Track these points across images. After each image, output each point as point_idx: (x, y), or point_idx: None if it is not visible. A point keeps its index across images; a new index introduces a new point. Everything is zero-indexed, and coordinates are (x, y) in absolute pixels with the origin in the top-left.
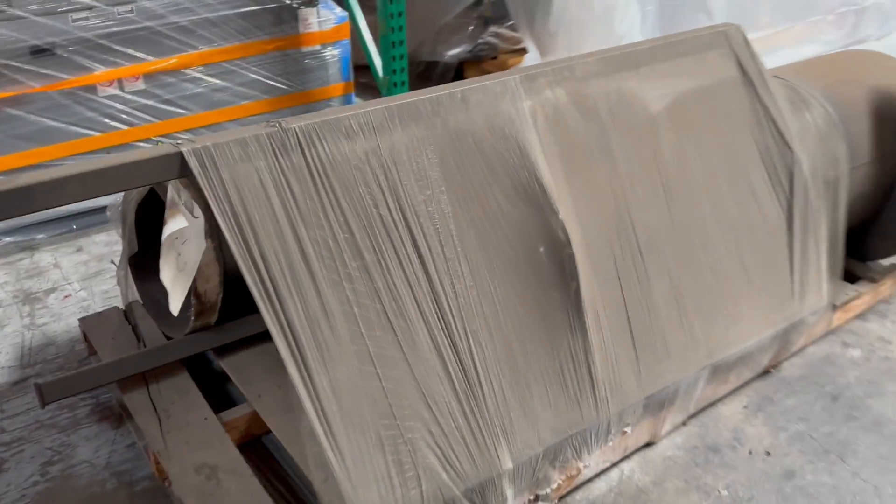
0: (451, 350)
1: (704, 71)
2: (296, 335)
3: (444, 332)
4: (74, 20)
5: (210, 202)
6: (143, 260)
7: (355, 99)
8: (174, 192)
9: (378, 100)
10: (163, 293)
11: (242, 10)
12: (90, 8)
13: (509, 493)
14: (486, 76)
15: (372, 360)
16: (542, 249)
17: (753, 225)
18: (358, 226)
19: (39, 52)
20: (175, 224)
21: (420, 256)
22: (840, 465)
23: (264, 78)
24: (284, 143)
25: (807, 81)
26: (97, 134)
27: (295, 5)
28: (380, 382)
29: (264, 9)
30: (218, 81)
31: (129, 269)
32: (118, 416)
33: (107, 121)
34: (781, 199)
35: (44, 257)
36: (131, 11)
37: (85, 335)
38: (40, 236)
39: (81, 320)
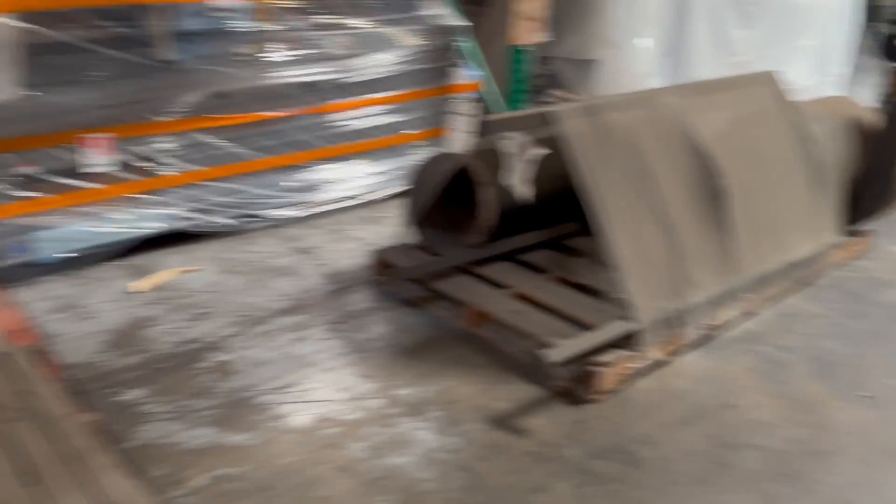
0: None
1: (757, 96)
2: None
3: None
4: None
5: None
6: (428, 212)
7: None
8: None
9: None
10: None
11: (418, 67)
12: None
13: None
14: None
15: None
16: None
17: (794, 189)
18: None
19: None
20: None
21: None
22: (860, 319)
23: (422, 116)
24: (589, 110)
25: (811, 109)
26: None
27: (448, 66)
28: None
29: (431, 67)
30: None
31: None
32: (418, 306)
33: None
34: (810, 174)
35: (289, 232)
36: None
37: (380, 261)
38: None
39: (379, 251)
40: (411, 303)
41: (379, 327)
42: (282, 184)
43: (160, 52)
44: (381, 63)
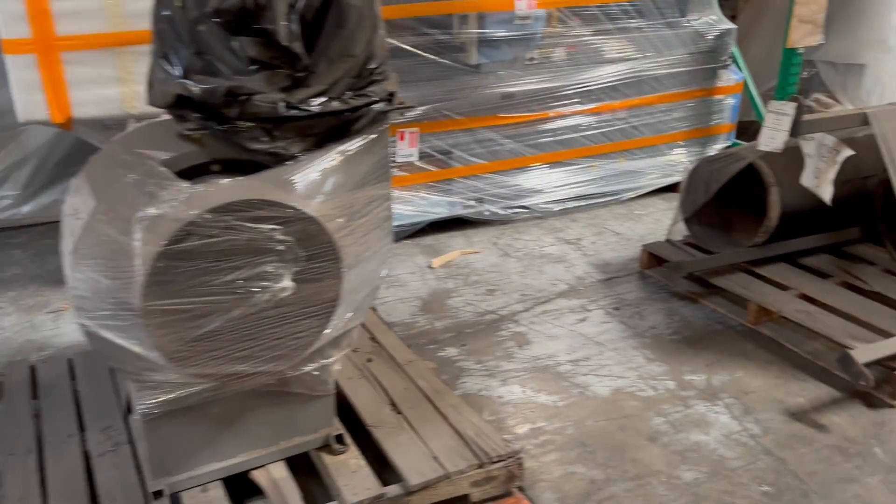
0: None
1: None
2: None
3: None
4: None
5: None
6: (701, 209)
7: (735, 137)
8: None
9: None
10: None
11: (687, 69)
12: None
13: None
14: None
15: None
16: None
17: None
18: None
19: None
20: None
21: None
22: None
23: (685, 116)
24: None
25: None
26: (593, 145)
27: (717, 67)
28: None
29: (699, 69)
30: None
31: (686, 215)
32: (690, 299)
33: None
34: None
35: (552, 223)
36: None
37: (648, 253)
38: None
39: (646, 245)
40: (684, 296)
41: (655, 316)
42: (546, 179)
43: (467, 56)
44: (651, 65)
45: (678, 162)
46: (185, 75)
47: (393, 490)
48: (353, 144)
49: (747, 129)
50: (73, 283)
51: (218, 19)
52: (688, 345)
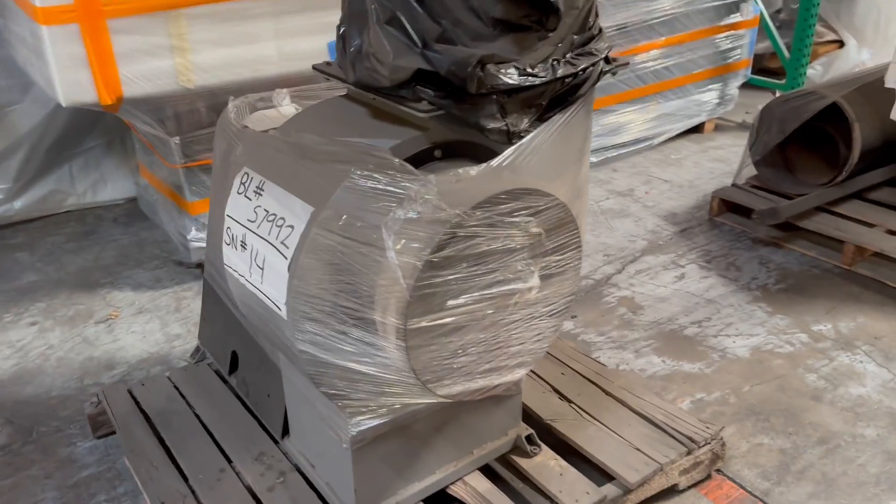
0: None
1: None
2: None
3: None
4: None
5: None
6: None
7: (751, 74)
8: None
9: None
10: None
11: (713, 4)
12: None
13: None
14: None
15: None
16: None
17: None
18: None
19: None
20: None
21: None
22: None
23: (710, 54)
24: None
25: None
26: (629, 89)
27: (735, 2)
28: None
29: (723, 4)
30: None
31: (757, 158)
32: (775, 244)
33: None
34: None
35: (594, 175)
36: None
37: (720, 200)
38: None
39: (715, 192)
40: (767, 242)
41: (750, 266)
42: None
43: None
44: (674, 4)
45: (703, 101)
46: (425, 46)
47: (611, 491)
48: (573, 113)
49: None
50: (290, 304)
51: None
52: (797, 293)
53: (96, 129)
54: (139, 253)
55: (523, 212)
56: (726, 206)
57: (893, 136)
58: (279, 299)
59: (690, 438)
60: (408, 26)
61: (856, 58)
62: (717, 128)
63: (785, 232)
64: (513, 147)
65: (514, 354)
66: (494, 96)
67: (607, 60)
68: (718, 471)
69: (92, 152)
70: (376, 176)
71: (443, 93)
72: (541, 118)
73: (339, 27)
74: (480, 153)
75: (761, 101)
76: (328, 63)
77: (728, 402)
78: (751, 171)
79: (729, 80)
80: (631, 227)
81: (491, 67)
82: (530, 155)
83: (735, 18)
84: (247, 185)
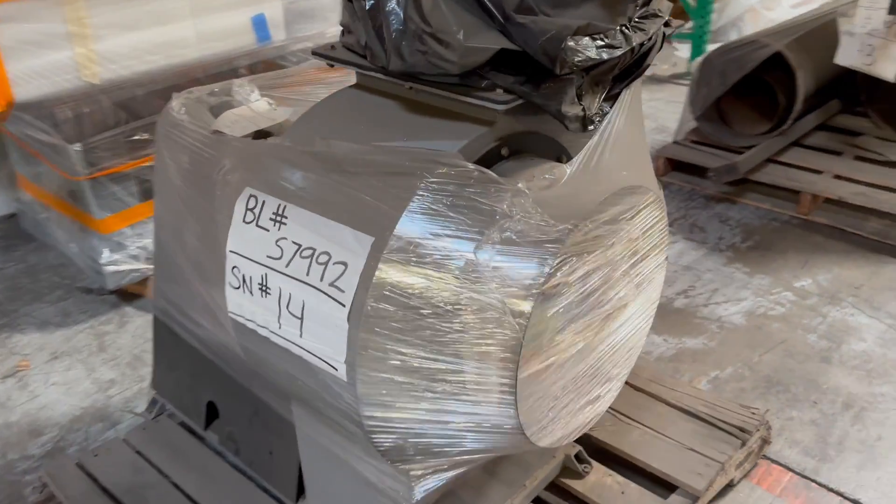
0: None
1: None
2: None
3: None
4: None
5: None
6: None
7: None
8: None
9: None
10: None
11: None
12: None
13: None
14: None
15: None
16: None
17: None
18: None
19: None
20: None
21: None
22: None
23: None
24: None
25: None
26: None
27: None
28: None
29: None
30: None
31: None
32: (728, 200)
33: None
34: None
35: None
36: None
37: (665, 159)
38: None
39: (659, 151)
40: (720, 199)
41: (713, 225)
42: None
43: None
44: None
45: None
46: (506, 18)
47: (679, 502)
48: (634, 87)
49: None
50: (352, 361)
51: None
52: (767, 249)
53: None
54: (33, 283)
55: (626, 215)
56: (671, 165)
57: (825, 82)
58: (334, 356)
59: (741, 428)
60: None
61: (746, 2)
62: None
63: (735, 186)
64: (594, 137)
65: (610, 378)
66: (574, 76)
67: (666, 23)
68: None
69: None
70: (451, 189)
71: (523, 76)
72: (608, 96)
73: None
74: (544, 146)
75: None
76: (332, 47)
77: (744, 376)
78: (688, 126)
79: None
80: None
81: (577, 41)
82: (611, 144)
83: None
84: (256, 212)
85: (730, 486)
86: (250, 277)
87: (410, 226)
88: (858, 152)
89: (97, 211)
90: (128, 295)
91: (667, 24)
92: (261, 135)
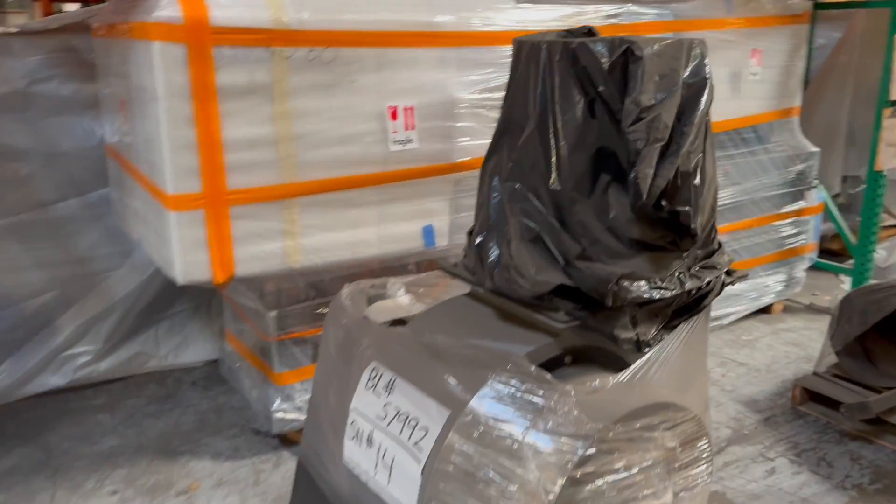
0: None
1: None
2: None
3: None
4: None
5: None
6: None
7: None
8: None
9: None
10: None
11: (779, 192)
12: None
13: None
14: None
15: None
16: None
17: None
18: None
19: None
20: None
21: None
22: None
23: (776, 238)
24: None
25: None
26: None
27: (804, 189)
28: None
29: (789, 191)
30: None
31: (837, 348)
32: (864, 439)
33: None
34: None
35: None
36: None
37: (801, 389)
38: None
39: (797, 381)
40: (855, 436)
41: (842, 462)
42: None
43: None
44: (751, 189)
45: (769, 284)
46: (564, 262)
47: None
48: (696, 322)
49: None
50: None
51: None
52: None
53: (185, 295)
54: (218, 419)
55: (661, 426)
56: (809, 395)
57: None
58: (409, 503)
59: None
60: (550, 245)
61: None
62: (786, 309)
63: (873, 426)
64: (644, 357)
65: None
66: (627, 308)
67: (728, 273)
68: None
69: (178, 316)
70: (514, 383)
71: (580, 305)
72: (667, 326)
73: (471, 234)
74: (607, 359)
75: (826, 282)
76: (455, 265)
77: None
78: (831, 358)
79: (795, 264)
80: (713, 413)
81: (626, 283)
82: (661, 365)
83: (800, 205)
84: (376, 380)
85: None
86: (362, 431)
87: (478, 407)
88: None
89: (277, 366)
90: (287, 440)
91: (728, 273)
92: (397, 322)
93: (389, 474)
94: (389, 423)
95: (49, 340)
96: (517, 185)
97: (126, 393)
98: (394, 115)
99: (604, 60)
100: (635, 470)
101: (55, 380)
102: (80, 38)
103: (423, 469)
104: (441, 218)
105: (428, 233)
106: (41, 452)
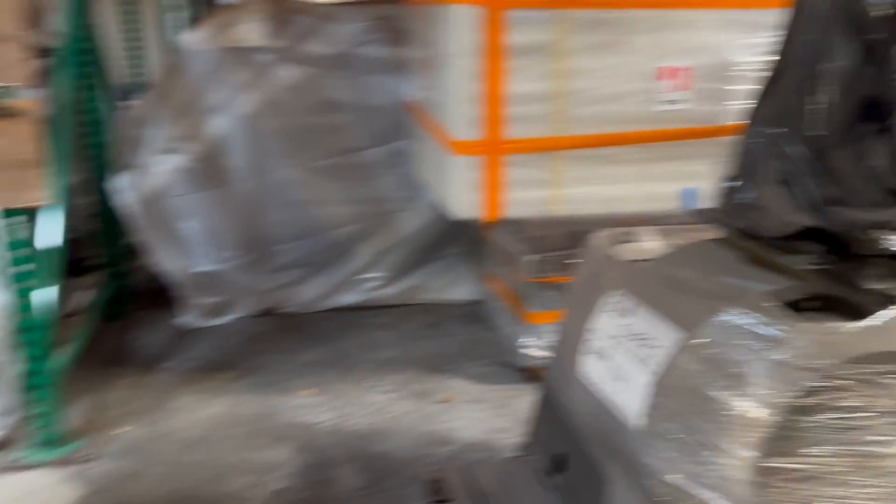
0: None
1: None
2: None
3: None
4: None
5: None
6: None
7: None
8: None
9: None
10: None
11: None
12: None
13: None
14: None
15: None
16: None
17: None
18: None
19: None
20: None
21: None
22: None
23: None
24: None
25: None
26: None
27: None
28: None
29: None
30: None
31: None
32: None
33: None
34: None
35: None
36: None
37: None
38: None
39: None
40: None
41: None
42: None
43: None
44: None
45: None
46: (815, 205)
47: None
48: None
49: None
50: (645, 419)
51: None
52: None
53: (457, 241)
54: (474, 349)
55: None
56: None
57: None
58: (634, 413)
59: None
60: (804, 188)
61: None
62: None
63: None
64: (888, 310)
65: None
66: (878, 259)
67: None
68: None
69: (451, 258)
70: (751, 314)
71: (828, 250)
72: None
73: (727, 179)
74: (849, 310)
75: None
76: (702, 211)
77: None
78: None
79: None
80: None
81: (881, 232)
82: None
83: None
84: (617, 305)
85: None
86: (599, 348)
87: (713, 331)
88: None
89: (529, 307)
90: (532, 374)
91: None
92: (642, 261)
93: (620, 385)
94: (624, 341)
95: (349, 264)
96: (776, 130)
97: (403, 317)
98: (666, 76)
99: (876, 9)
100: (864, 413)
101: (349, 297)
102: (394, 7)
103: (651, 382)
104: (704, 181)
105: (689, 195)
106: (334, 354)
